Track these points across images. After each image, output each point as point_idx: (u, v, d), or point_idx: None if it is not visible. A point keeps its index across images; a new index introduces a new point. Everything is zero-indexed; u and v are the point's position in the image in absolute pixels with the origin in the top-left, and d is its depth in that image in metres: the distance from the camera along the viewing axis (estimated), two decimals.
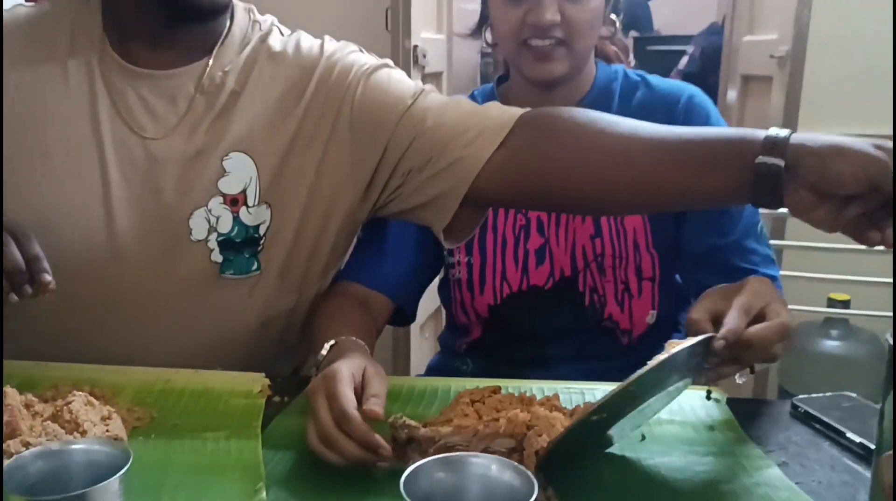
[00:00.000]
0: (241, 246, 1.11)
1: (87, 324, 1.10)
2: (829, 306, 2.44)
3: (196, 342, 1.13)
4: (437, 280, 1.40)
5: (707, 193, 0.95)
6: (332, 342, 1.01)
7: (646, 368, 0.75)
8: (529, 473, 0.62)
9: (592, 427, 0.80)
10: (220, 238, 1.10)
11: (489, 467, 0.64)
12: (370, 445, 0.82)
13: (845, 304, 2.41)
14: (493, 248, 1.27)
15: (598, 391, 1.04)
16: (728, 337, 0.82)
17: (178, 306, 1.11)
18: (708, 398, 1.00)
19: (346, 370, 0.89)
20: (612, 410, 0.79)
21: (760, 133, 0.89)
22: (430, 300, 2.42)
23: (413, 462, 0.83)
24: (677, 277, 1.33)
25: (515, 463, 0.64)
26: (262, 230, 1.12)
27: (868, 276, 1.99)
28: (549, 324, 1.27)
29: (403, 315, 1.30)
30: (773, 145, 0.86)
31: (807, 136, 0.87)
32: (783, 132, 0.87)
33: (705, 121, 1.21)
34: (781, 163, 0.85)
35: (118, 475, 0.63)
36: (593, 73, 1.28)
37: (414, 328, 2.46)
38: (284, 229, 1.12)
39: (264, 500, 0.78)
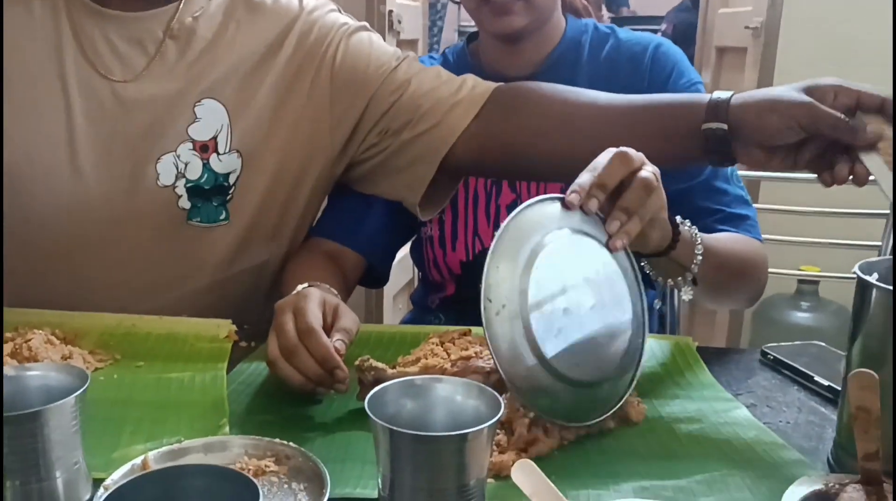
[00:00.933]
0: (210, 194, 1.10)
1: (51, 267, 1.08)
2: (799, 281, 2.47)
3: (161, 289, 1.11)
4: (408, 246, 1.39)
5: (662, 159, 0.99)
6: (304, 284, 1.00)
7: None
8: (496, 393, 0.61)
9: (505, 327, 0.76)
10: (189, 184, 1.09)
11: (455, 389, 0.63)
12: (328, 362, 0.81)
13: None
14: (465, 204, 1.26)
15: None
16: (577, 191, 0.79)
17: (144, 251, 1.09)
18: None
19: (319, 295, 0.89)
20: (496, 290, 0.76)
21: (705, 97, 0.95)
22: (403, 271, 2.42)
23: None
24: None
25: (480, 385, 0.63)
26: (231, 179, 1.10)
27: (837, 240, 1.99)
28: None
29: (376, 275, 1.29)
30: (715, 110, 0.92)
31: (747, 94, 0.92)
32: (725, 94, 0.93)
33: (671, 70, 1.20)
34: (724, 127, 0.91)
35: (74, 394, 0.61)
36: (562, 26, 1.27)
37: (387, 297, 2.45)
38: (256, 181, 1.11)
39: (228, 434, 0.76)
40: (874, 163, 0.84)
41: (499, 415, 0.59)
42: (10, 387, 0.64)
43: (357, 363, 0.85)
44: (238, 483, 0.49)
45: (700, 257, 0.94)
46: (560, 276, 0.78)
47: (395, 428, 0.57)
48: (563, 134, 1.05)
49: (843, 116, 0.85)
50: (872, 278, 0.72)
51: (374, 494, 0.68)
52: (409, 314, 1.44)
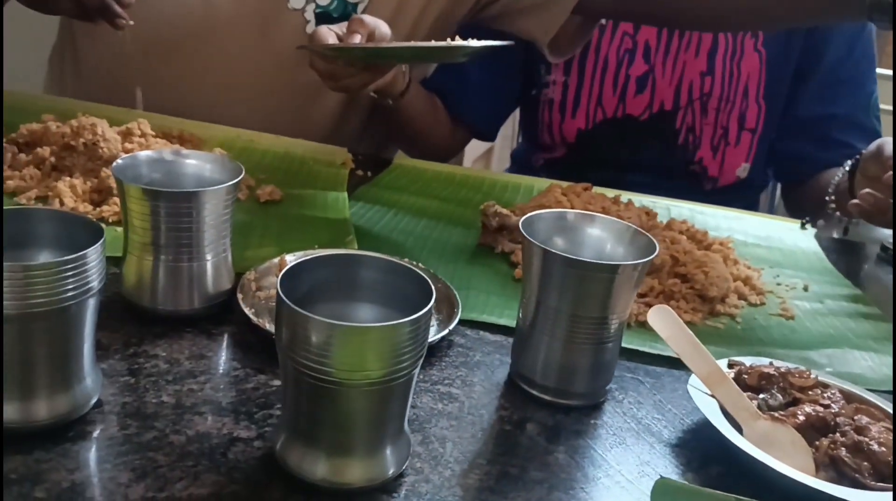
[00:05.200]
0: (337, 22, 1.08)
1: (179, 79, 1.09)
2: None
3: (279, 112, 1.12)
4: None
5: (821, 8, 0.95)
6: None
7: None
8: (652, 238, 0.60)
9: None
10: (318, 10, 1.08)
11: (608, 229, 0.62)
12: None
13: None
14: (593, 70, 1.21)
15: (683, 208, 1.02)
16: None
17: (267, 72, 1.09)
18: (802, 227, 0.98)
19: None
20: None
21: None
22: None
23: (504, 248, 0.83)
24: None
25: (636, 228, 0.62)
26: (360, 9, 1.09)
27: None
28: (636, 156, 1.23)
29: (482, 132, 1.31)
30: None
31: None
32: None
33: None
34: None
35: (231, 182, 0.62)
36: None
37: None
38: (381, 11, 1.09)
39: (357, 250, 0.77)
40: None
41: (652, 256, 0.58)
42: (167, 169, 0.65)
43: (482, 208, 0.85)
44: (411, 279, 0.49)
45: None
46: None
47: (549, 249, 0.57)
48: None
49: None
50: None
51: (499, 320, 0.70)
52: (507, 170, 1.43)
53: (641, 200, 1.01)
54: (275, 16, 1.07)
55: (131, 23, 0.87)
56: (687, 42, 1.17)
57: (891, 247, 0.98)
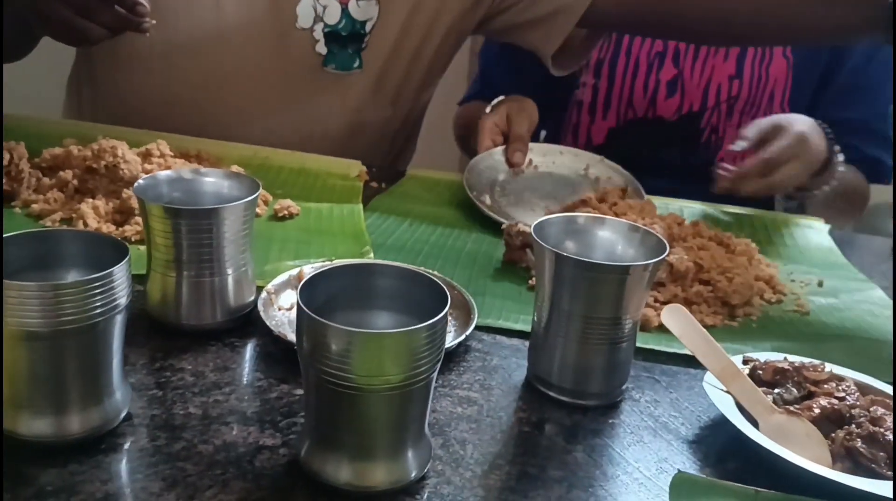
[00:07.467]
0: (346, 41, 1.11)
1: (191, 98, 1.11)
2: None
3: (291, 130, 1.13)
4: None
5: (838, 26, 0.95)
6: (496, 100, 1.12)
7: None
8: (662, 238, 0.61)
9: None
10: (327, 29, 1.09)
11: (618, 231, 0.64)
12: None
13: None
14: (624, 73, 1.23)
15: (696, 207, 1.03)
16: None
17: (280, 91, 1.11)
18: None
19: (489, 122, 1.05)
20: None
21: None
22: None
23: (528, 264, 0.84)
24: None
25: (646, 228, 0.63)
26: (368, 27, 1.11)
27: None
28: (661, 156, 1.24)
29: None
30: None
31: None
32: None
33: None
34: None
35: (249, 198, 0.63)
36: None
37: None
38: (390, 29, 1.11)
39: (373, 259, 0.79)
40: None
41: (663, 255, 0.59)
42: (187, 187, 0.67)
43: (504, 227, 0.86)
44: (427, 286, 0.51)
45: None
46: None
47: (559, 252, 0.58)
48: None
49: None
50: None
51: (515, 326, 0.71)
52: None
53: (668, 203, 1.02)
54: (283, 34, 1.09)
55: (153, 22, 0.89)
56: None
57: None
